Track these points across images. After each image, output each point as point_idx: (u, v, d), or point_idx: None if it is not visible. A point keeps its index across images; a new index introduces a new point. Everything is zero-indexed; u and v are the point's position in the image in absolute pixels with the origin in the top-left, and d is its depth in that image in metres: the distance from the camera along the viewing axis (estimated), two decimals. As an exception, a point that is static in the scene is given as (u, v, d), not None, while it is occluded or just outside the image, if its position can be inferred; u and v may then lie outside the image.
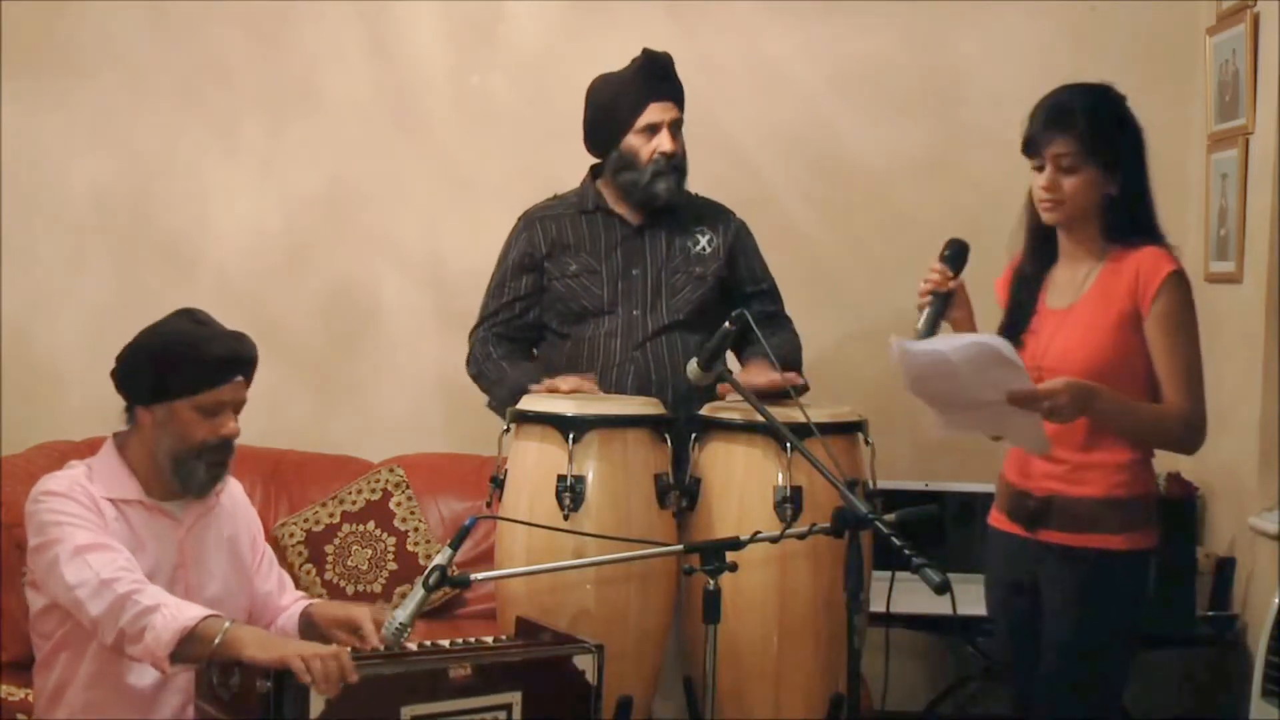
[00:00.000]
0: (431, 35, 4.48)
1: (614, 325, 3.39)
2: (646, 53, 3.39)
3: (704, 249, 3.45)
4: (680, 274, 3.42)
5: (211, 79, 4.49)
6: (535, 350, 3.54)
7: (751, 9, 4.43)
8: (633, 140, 3.37)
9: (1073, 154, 2.76)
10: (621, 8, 4.42)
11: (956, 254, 2.88)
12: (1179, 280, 2.75)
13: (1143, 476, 2.82)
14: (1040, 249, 2.92)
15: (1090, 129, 2.76)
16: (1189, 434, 2.77)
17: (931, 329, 2.84)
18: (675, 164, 3.37)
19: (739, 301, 3.42)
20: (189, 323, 2.67)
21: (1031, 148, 2.81)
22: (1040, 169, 2.81)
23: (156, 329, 2.67)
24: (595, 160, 3.50)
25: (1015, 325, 2.90)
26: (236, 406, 2.68)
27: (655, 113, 3.35)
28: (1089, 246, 2.84)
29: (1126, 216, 2.80)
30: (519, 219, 3.53)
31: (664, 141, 3.34)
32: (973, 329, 2.90)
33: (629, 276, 3.41)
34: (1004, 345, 2.62)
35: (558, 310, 3.44)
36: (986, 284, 3.02)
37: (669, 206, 3.40)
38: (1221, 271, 4.01)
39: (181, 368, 2.61)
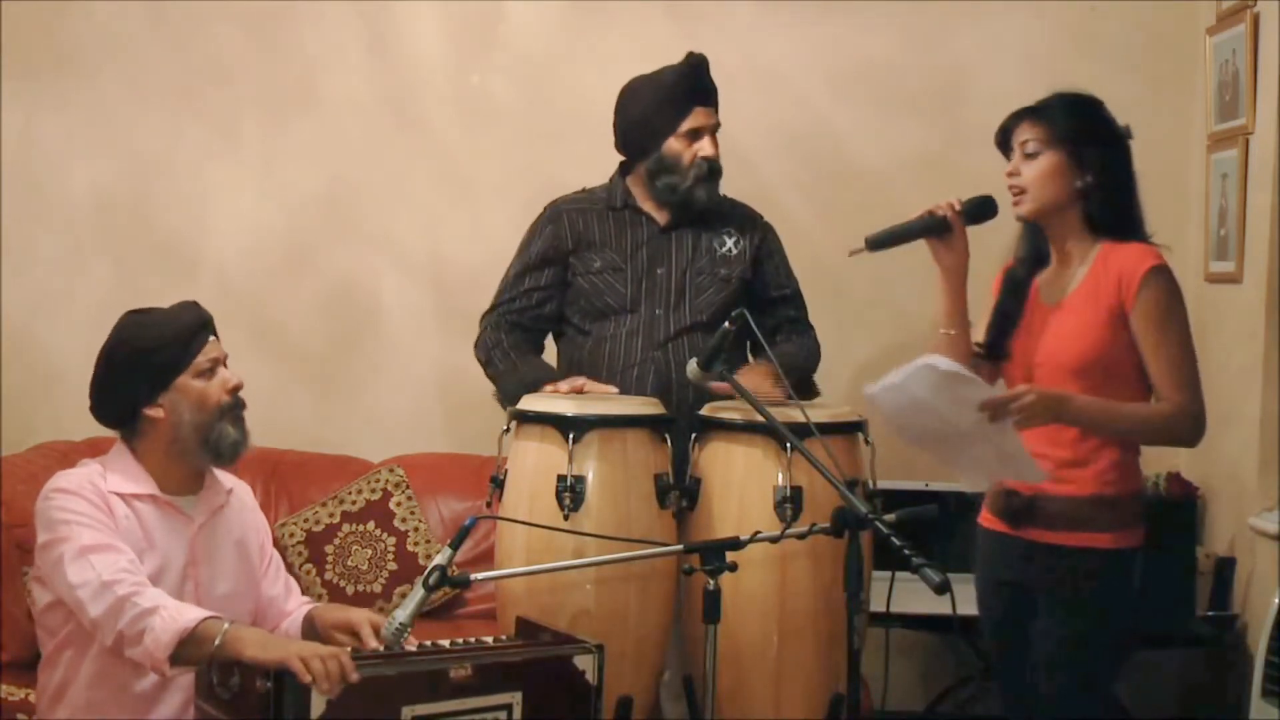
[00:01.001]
0: (431, 35, 4.48)
1: (635, 324, 3.39)
2: (691, 56, 3.40)
3: (730, 250, 3.45)
4: (705, 275, 3.42)
5: (211, 79, 4.49)
6: (556, 343, 3.53)
7: (751, 9, 4.43)
8: (675, 144, 3.37)
9: (1036, 139, 2.82)
10: (621, 8, 4.43)
11: (979, 204, 2.91)
12: (1160, 274, 2.76)
13: (1129, 475, 2.83)
14: (1032, 250, 2.95)
15: (1057, 117, 2.81)
16: (1187, 427, 2.77)
17: (893, 237, 2.91)
18: (715, 169, 3.39)
19: (762, 306, 3.43)
20: (139, 317, 2.71)
21: (1002, 138, 2.89)
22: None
23: (117, 339, 2.69)
24: (623, 158, 3.51)
25: (1004, 324, 2.92)
26: (225, 362, 2.73)
27: (699, 117, 3.37)
28: (1075, 244, 2.86)
29: (1107, 211, 2.81)
30: (545, 208, 3.52)
31: (706, 146, 3.37)
32: (961, 278, 2.91)
33: (653, 275, 3.41)
34: (938, 359, 2.63)
35: (580, 306, 3.43)
36: (985, 280, 3.03)
37: (705, 210, 3.42)
38: (1221, 271, 4.01)
39: (163, 349, 2.64)
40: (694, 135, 3.37)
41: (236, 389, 2.71)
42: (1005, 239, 3.03)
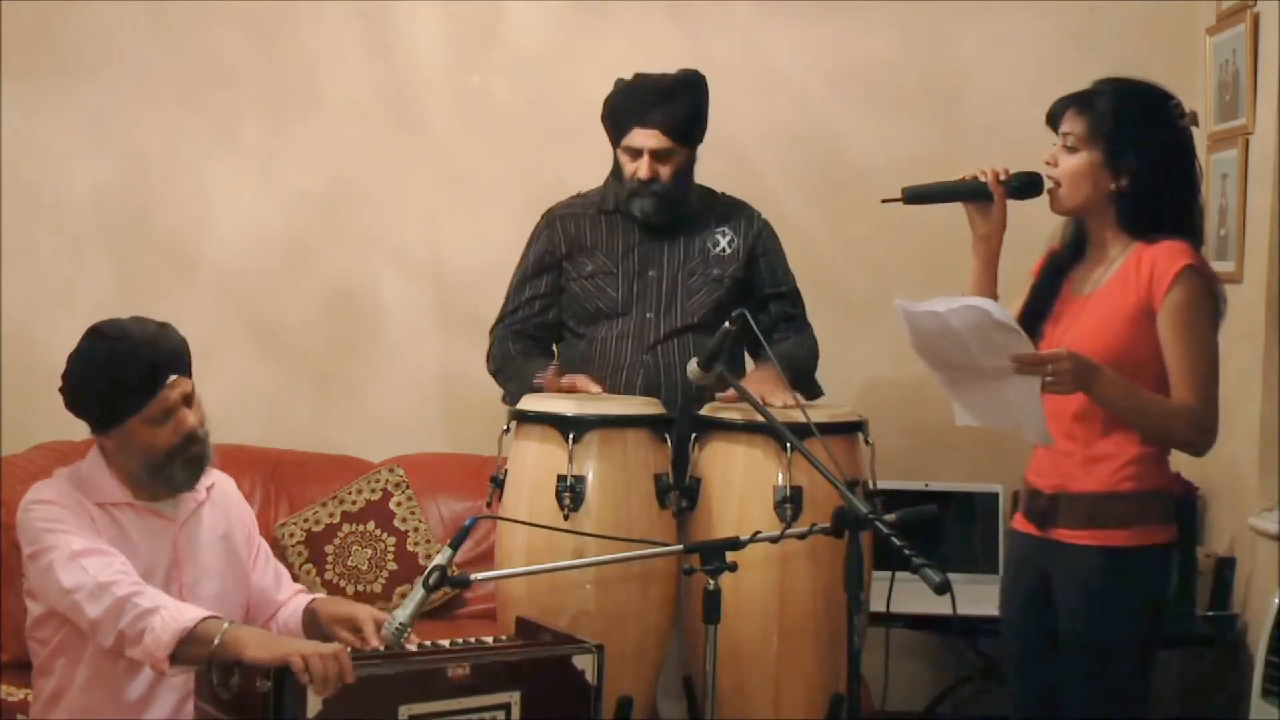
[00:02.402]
0: (431, 35, 4.48)
1: (626, 327, 3.39)
2: (636, 77, 3.38)
3: (723, 250, 3.44)
4: (697, 276, 3.42)
5: (211, 79, 4.48)
6: (555, 348, 3.54)
7: (751, 9, 4.43)
8: (621, 155, 3.39)
9: (1075, 134, 2.76)
10: (621, 8, 4.42)
11: (1025, 179, 2.87)
12: (1193, 275, 2.68)
13: (1152, 471, 2.76)
14: (1076, 238, 2.89)
15: (1101, 112, 2.74)
16: (1195, 433, 2.71)
17: (931, 194, 2.89)
18: (655, 190, 3.35)
19: (759, 303, 3.43)
20: (102, 346, 2.58)
21: (1050, 120, 2.83)
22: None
23: (75, 361, 2.60)
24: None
25: (1038, 310, 2.87)
26: (187, 400, 2.63)
27: (637, 138, 3.34)
28: (1110, 240, 2.80)
29: (1142, 215, 2.74)
30: (542, 216, 3.54)
31: (641, 168, 3.34)
32: (993, 250, 2.88)
33: (644, 278, 3.41)
34: (995, 306, 2.57)
35: (574, 310, 3.44)
36: (1015, 264, 3.01)
37: (656, 225, 3.39)
38: (1221, 271, 3.99)
39: (111, 395, 2.56)
40: (634, 153, 3.35)
41: (190, 432, 2.61)
42: (1038, 225, 3.00)
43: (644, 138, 3.33)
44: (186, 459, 2.64)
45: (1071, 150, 2.77)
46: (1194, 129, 2.83)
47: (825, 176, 4.43)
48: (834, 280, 4.36)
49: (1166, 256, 2.70)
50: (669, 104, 3.34)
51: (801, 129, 4.44)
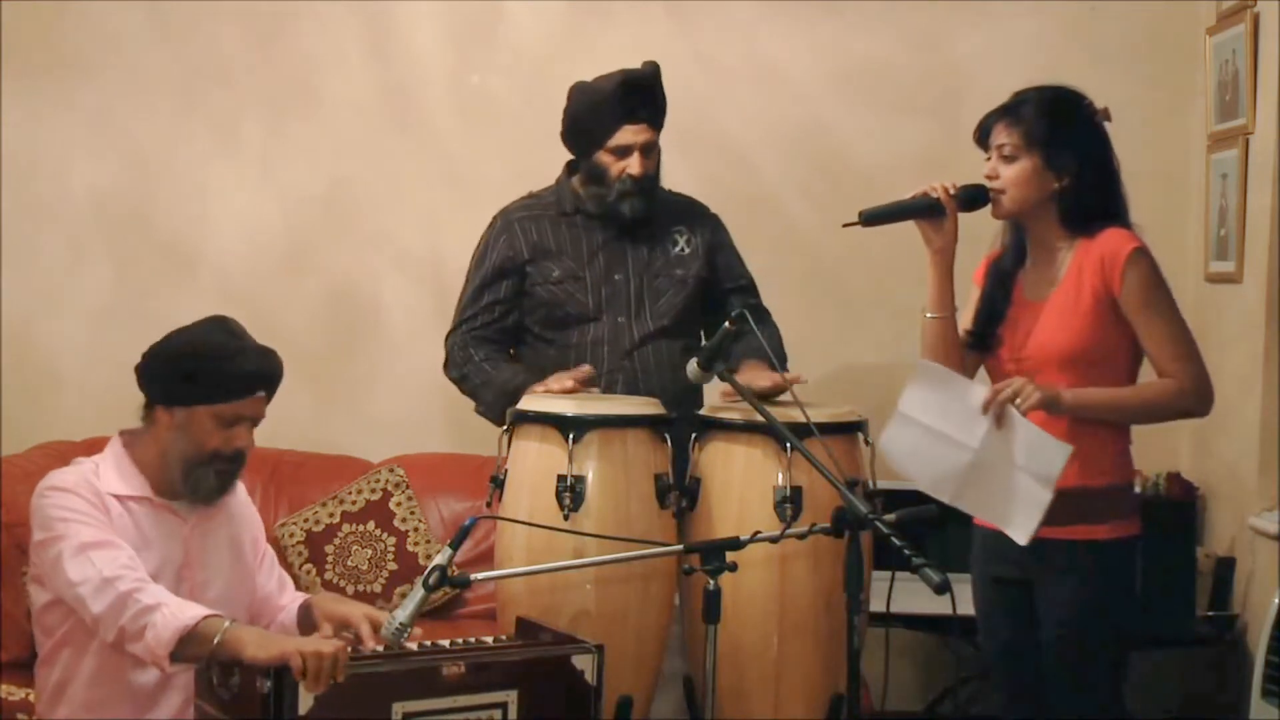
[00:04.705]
0: (431, 35, 4.48)
1: (600, 333, 3.38)
2: (626, 75, 3.36)
3: (683, 250, 3.45)
4: (662, 277, 3.42)
5: (211, 79, 4.49)
6: (514, 352, 3.52)
7: (751, 8, 4.43)
8: (603, 157, 3.36)
9: (1011, 144, 2.85)
10: (621, 8, 4.43)
11: (973, 191, 2.91)
12: (1142, 255, 2.80)
13: (1124, 465, 2.86)
14: (1016, 243, 2.97)
15: (1034, 121, 2.83)
16: (1196, 397, 2.81)
17: (887, 214, 2.93)
18: (643, 185, 3.35)
19: (721, 298, 3.43)
20: (221, 332, 2.68)
21: (980, 136, 2.91)
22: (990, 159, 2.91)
23: (188, 333, 2.67)
24: (571, 158, 3.50)
25: (990, 316, 2.94)
26: (254, 420, 2.70)
27: (628, 135, 3.33)
28: (1055, 240, 2.88)
29: (1084, 209, 2.84)
30: (495, 218, 3.52)
31: (633, 165, 3.33)
32: (948, 262, 2.92)
33: (611, 281, 3.40)
34: (922, 362, 2.71)
35: (540, 315, 3.43)
36: (968, 269, 3.03)
37: (635, 222, 3.39)
38: (1221, 271, 4.01)
39: (206, 375, 2.62)
40: (622, 151, 3.34)
41: (240, 449, 2.68)
42: (988, 230, 3.03)
43: (635, 133, 3.33)
44: (221, 470, 2.68)
45: (1010, 159, 2.86)
46: (1108, 124, 2.91)
47: (825, 176, 4.43)
48: (834, 280, 4.36)
49: (1113, 242, 2.81)
50: (652, 97, 3.37)
51: (802, 129, 4.44)
